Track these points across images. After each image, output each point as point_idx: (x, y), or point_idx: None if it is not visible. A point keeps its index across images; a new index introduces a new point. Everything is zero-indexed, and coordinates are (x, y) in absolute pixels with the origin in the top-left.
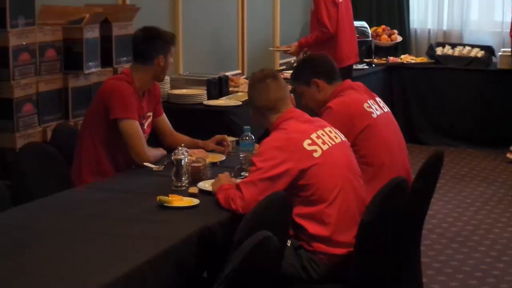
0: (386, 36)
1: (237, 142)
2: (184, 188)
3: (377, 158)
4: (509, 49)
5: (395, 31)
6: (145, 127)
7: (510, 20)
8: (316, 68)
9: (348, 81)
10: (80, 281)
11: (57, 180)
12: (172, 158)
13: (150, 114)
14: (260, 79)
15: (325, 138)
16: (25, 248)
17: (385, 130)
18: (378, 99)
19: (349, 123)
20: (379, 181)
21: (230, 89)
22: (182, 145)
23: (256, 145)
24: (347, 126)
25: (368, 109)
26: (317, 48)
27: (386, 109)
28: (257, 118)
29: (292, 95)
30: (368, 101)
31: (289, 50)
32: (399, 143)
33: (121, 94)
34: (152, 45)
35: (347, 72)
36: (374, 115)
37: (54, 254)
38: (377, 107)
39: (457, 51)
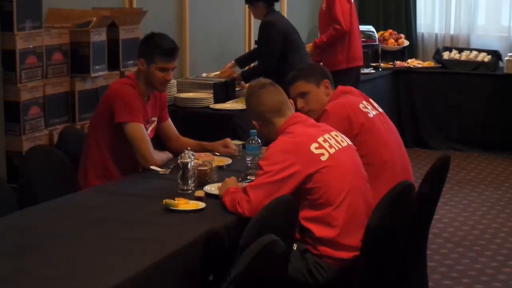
0: (393, 40)
1: (244, 146)
2: (190, 191)
3: (378, 157)
4: None
5: (402, 35)
6: (149, 131)
7: None
8: (325, 71)
9: (340, 86)
10: (86, 284)
11: (64, 183)
12: (179, 161)
13: (155, 119)
14: (261, 86)
15: (331, 142)
16: (31, 251)
17: (382, 129)
18: (371, 100)
19: (346, 124)
20: (382, 180)
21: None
22: (189, 148)
23: (263, 149)
24: (344, 126)
25: (364, 110)
26: (330, 47)
27: (380, 109)
28: (262, 126)
29: (291, 100)
30: (363, 102)
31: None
32: (397, 142)
33: (125, 98)
34: (139, 47)
35: (358, 73)
36: (371, 115)
37: (60, 257)
38: (372, 108)
39: (464, 55)
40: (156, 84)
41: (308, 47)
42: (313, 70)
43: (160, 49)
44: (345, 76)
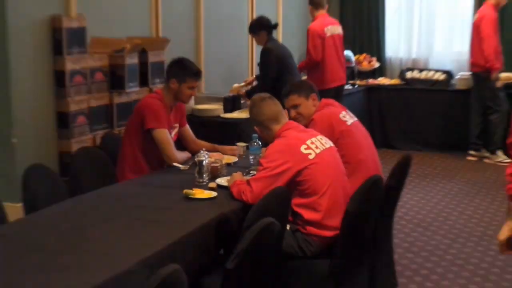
0: (367, 63)
1: (247, 147)
2: (205, 183)
3: (354, 157)
4: (466, 73)
5: (374, 58)
6: (172, 135)
7: (467, 50)
8: (313, 86)
9: (323, 99)
10: (123, 257)
11: (104, 177)
12: (195, 159)
13: (177, 125)
14: (261, 99)
15: (317, 144)
16: (78, 231)
17: (358, 134)
18: (348, 111)
19: (330, 130)
20: (357, 175)
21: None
22: (204, 149)
23: (263, 149)
24: (328, 132)
25: (343, 118)
26: (310, 71)
27: (355, 118)
28: (262, 131)
29: (285, 110)
30: (342, 112)
31: None
32: (369, 144)
33: (153, 109)
34: (170, 68)
35: (335, 92)
36: (349, 123)
37: (101, 236)
38: (349, 117)
39: (423, 74)
40: (184, 99)
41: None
42: (304, 86)
43: (190, 71)
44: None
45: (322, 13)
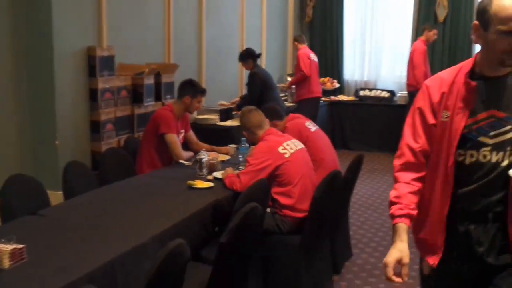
0: (329, 84)
1: (237, 148)
2: (204, 176)
3: (318, 155)
4: (405, 92)
5: (335, 81)
6: (180, 139)
7: (405, 75)
8: (277, 112)
9: (292, 114)
10: (139, 233)
11: (126, 171)
12: (197, 157)
13: (183, 131)
14: (249, 111)
15: (292, 145)
16: (105, 213)
17: (320, 139)
18: (311, 121)
19: (299, 135)
20: (321, 170)
21: (233, 114)
22: (204, 149)
23: (251, 148)
24: (297, 137)
25: (308, 126)
26: (300, 84)
27: (317, 127)
28: (249, 136)
29: (267, 119)
30: (307, 122)
31: (284, 86)
32: (330, 147)
33: (165, 118)
34: (184, 88)
35: (316, 100)
36: (312, 130)
37: (122, 217)
38: (313, 125)
39: (373, 93)
40: (192, 110)
41: (287, 83)
42: (274, 110)
43: (200, 89)
44: (307, 103)
45: (304, 46)
